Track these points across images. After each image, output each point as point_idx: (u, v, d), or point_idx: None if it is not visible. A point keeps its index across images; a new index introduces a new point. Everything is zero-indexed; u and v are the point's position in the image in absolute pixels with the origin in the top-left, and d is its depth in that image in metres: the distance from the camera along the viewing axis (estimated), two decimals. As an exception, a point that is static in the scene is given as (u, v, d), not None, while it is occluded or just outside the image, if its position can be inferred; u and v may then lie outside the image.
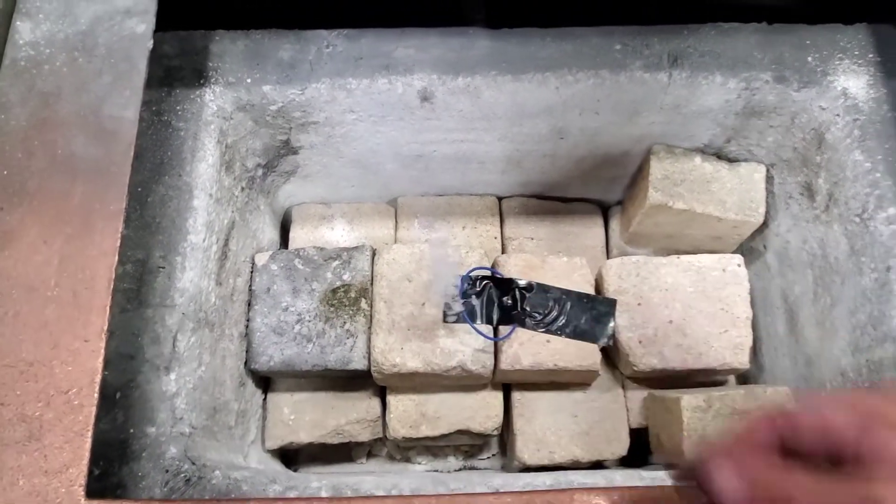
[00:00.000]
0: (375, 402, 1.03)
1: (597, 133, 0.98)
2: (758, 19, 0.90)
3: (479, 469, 1.13)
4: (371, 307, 0.97)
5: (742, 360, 0.97)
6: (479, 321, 0.95)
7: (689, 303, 0.99)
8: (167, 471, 0.67)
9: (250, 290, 0.98)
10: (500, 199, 1.17)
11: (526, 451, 0.99)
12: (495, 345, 0.96)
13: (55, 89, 0.66)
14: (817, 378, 0.92)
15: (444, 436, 1.01)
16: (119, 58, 0.67)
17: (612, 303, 0.99)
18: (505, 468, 1.12)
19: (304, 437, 1.01)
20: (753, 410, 0.90)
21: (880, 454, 0.35)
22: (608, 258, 1.14)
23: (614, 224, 1.17)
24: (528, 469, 0.99)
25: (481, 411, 1.01)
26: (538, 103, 0.90)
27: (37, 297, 0.58)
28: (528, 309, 0.96)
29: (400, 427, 1.00)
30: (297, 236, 1.12)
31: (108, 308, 0.58)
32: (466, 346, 0.94)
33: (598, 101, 0.90)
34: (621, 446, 1.01)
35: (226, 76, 0.84)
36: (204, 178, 0.81)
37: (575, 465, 1.00)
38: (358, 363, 0.94)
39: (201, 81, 0.83)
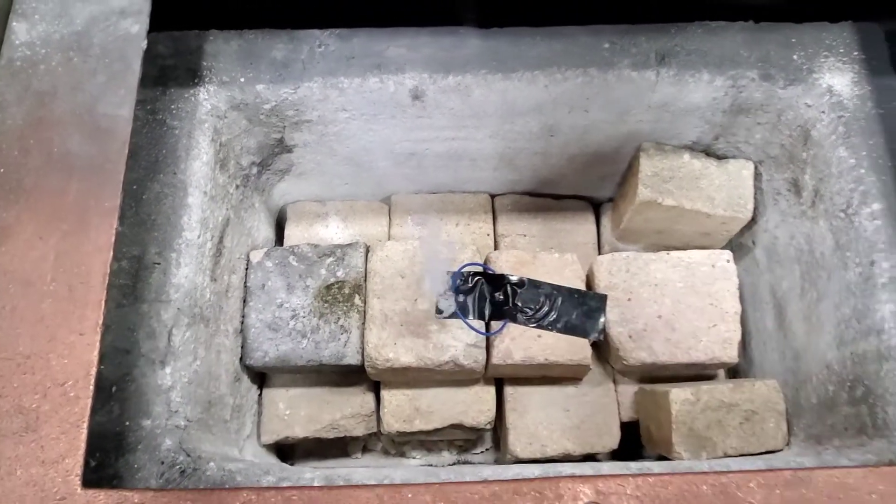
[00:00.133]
0: (369, 397, 1.04)
1: (587, 131, 0.99)
2: (744, 18, 0.91)
3: (473, 463, 1.14)
4: (365, 303, 0.98)
5: (731, 355, 0.99)
6: (471, 317, 0.96)
7: (679, 298, 1.01)
8: (163, 462, 0.68)
9: (245, 286, 0.99)
10: (492, 196, 1.18)
11: (518, 444, 1.00)
12: (487, 340, 0.97)
13: (51, 88, 0.68)
14: (804, 371, 0.94)
15: (437, 430, 1.02)
16: (114, 57, 0.68)
17: (602, 298, 1.00)
18: (498, 462, 1.13)
19: (299, 431, 1.02)
20: (741, 403, 0.92)
21: None
22: (599, 254, 1.15)
23: (606, 221, 1.18)
24: (520, 462, 1.01)
25: (474, 406, 1.02)
26: (528, 101, 0.91)
27: (33, 292, 0.60)
28: (519, 304, 0.97)
29: (394, 421, 1.01)
30: (292, 234, 1.13)
31: (103, 302, 0.59)
32: (459, 341, 0.95)
33: (588, 100, 0.91)
34: (612, 440, 1.02)
35: (220, 75, 0.86)
36: (198, 175, 0.82)
37: (567, 459, 1.01)
38: (352, 358, 0.96)
39: (195, 81, 0.84)
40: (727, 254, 1.03)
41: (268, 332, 0.96)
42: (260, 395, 1.04)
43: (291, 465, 1.11)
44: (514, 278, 0.99)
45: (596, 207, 1.21)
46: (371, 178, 1.09)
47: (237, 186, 0.96)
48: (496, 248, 1.15)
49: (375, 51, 0.89)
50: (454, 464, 1.14)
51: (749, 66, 0.89)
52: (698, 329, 0.99)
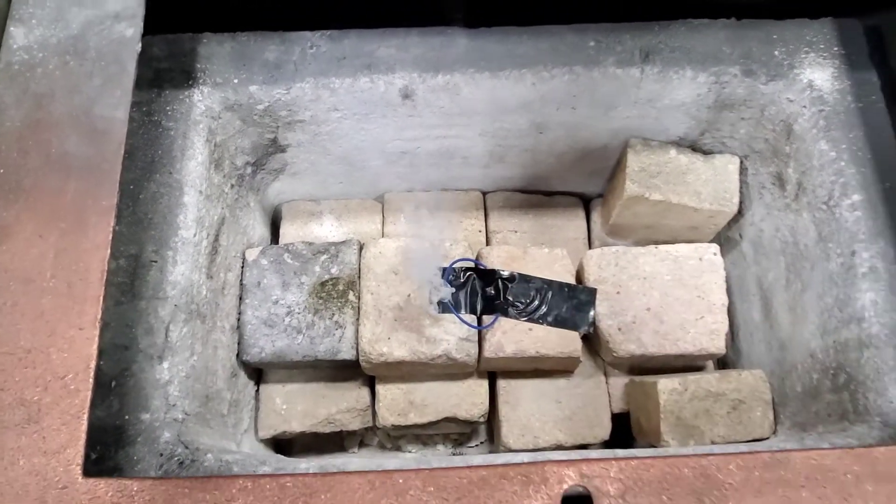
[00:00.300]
0: (365, 392, 1.06)
1: (575, 127, 1.01)
2: (727, 15, 0.93)
3: (467, 456, 1.16)
4: (359, 299, 1.00)
5: (718, 346, 1.00)
6: (463, 311, 0.98)
7: (667, 291, 1.02)
8: (161, 454, 0.70)
9: (241, 284, 1.01)
10: (484, 193, 1.20)
11: (511, 436, 1.02)
12: (479, 333, 0.99)
13: (48, 91, 0.70)
14: (790, 361, 0.96)
15: (432, 423, 1.04)
16: (109, 60, 0.70)
17: (592, 292, 1.02)
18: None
19: (296, 426, 1.04)
20: (728, 392, 0.94)
21: None
22: (590, 249, 1.17)
23: (596, 216, 1.20)
24: (512, 453, 1.02)
25: (467, 399, 1.04)
26: (516, 99, 0.93)
27: (34, 289, 0.62)
28: (510, 299, 0.99)
29: (389, 415, 1.03)
30: (287, 232, 1.15)
31: (101, 298, 0.61)
32: (451, 335, 0.97)
33: (574, 97, 0.93)
34: (604, 430, 1.04)
35: (213, 77, 0.88)
36: (194, 175, 0.84)
37: (558, 449, 1.03)
38: (346, 353, 0.98)
39: (190, 82, 0.86)
40: (714, 247, 1.05)
41: (264, 329, 0.98)
42: (257, 390, 1.06)
43: (289, 460, 1.12)
44: (505, 273, 1.01)
45: (586, 203, 1.23)
46: (364, 177, 1.10)
47: (232, 186, 0.98)
48: (488, 244, 1.16)
49: (366, 51, 0.90)
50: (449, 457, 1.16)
51: (731, 62, 0.91)
52: (686, 321, 1.01)
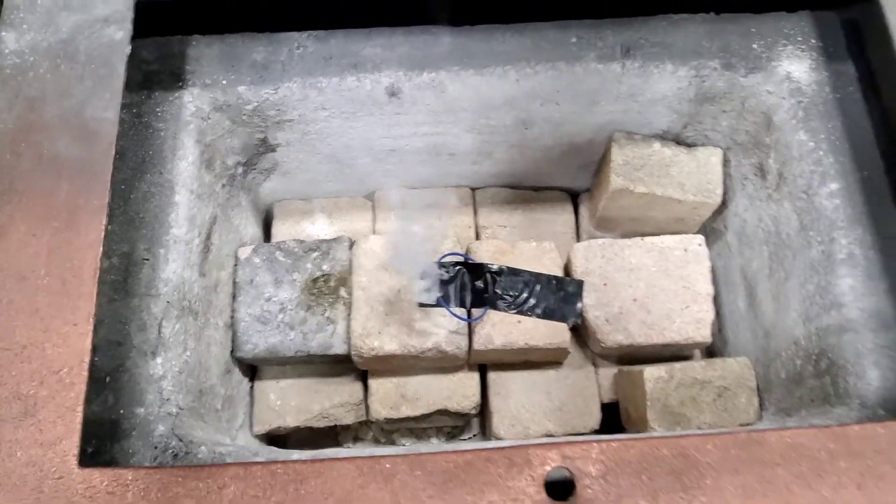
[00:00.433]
0: (357, 386, 1.08)
1: (560, 123, 1.03)
2: (706, 10, 0.95)
3: (461, 449, 1.18)
4: (350, 295, 1.02)
5: (704, 334, 1.02)
6: (452, 304, 0.99)
7: (653, 281, 1.04)
8: (156, 447, 0.71)
9: (234, 282, 1.02)
10: (473, 189, 1.22)
11: (502, 427, 1.04)
12: (469, 326, 1.01)
13: (40, 94, 0.71)
14: (774, 348, 0.97)
15: (424, 416, 1.06)
16: (99, 63, 0.72)
17: (579, 284, 1.03)
18: (485, 447, 1.16)
19: (290, 421, 1.05)
20: (714, 380, 0.96)
21: None
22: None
23: (583, 210, 1.22)
24: (504, 444, 1.04)
25: (458, 391, 1.06)
26: (501, 95, 0.95)
27: (28, 286, 0.63)
28: (499, 292, 1.01)
29: (381, 408, 1.05)
30: (279, 231, 1.17)
31: (94, 294, 0.63)
32: (441, 328, 0.99)
33: (558, 92, 0.95)
34: (593, 420, 1.06)
35: (202, 78, 0.89)
36: (185, 175, 0.85)
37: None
38: (339, 348, 0.99)
39: (179, 84, 0.88)
40: (699, 238, 1.07)
41: (257, 325, 1.00)
42: (252, 387, 1.08)
43: (285, 455, 1.14)
44: (493, 267, 1.02)
45: (574, 198, 1.25)
46: (354, 175, 1.12)
47: (223, 185, 0.99)
48: (478, 239, 1.18)
49: (352, 51, 0.92)
50: (443, 450, 1.17)
51: (711, 56, 0.93)
52: (672, 311, 1.03)
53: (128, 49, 0.74)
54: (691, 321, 1.02)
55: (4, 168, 0.68)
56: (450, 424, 1.16)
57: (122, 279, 0.78)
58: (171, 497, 0.57)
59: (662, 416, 0.94)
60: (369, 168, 1.10)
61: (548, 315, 1.02)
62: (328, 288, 1.02)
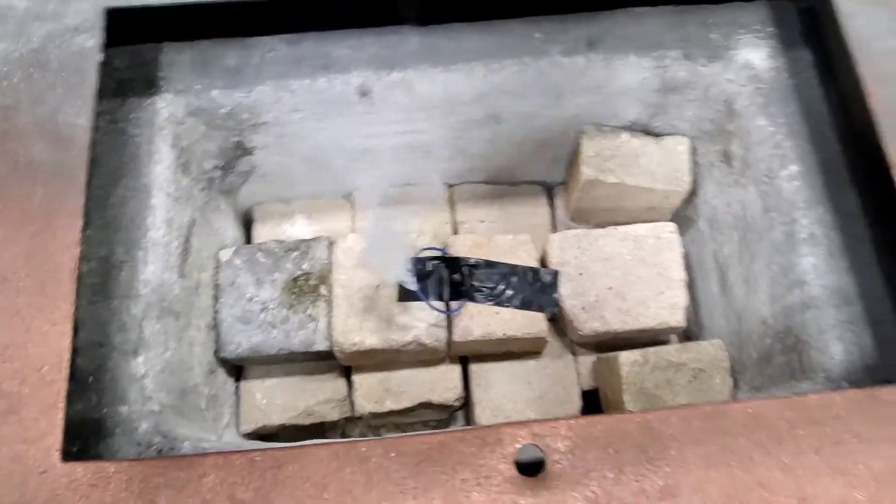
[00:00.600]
0: (341, 383, 1.10)
1: (531, 117, 1.05)
2: (666, 3, 0.98)
3: (447, 442, 1.19)
4: (330, 292, 1.03)
5: (678, 319, 1.05)
6: (431, 298, 1.01)
7: (628, 270, 1.06)
8: (139, 444, 0.73)
9: (216, 284, 1.04)
10: (450, 186, 1.24)
11: (484, 417, 1.06)
12: (448, 319, 1.03)
13: (14, 103, 0.73)
14: (745, 330, 1.00)
15: (409, 410, 1.08)
16: (70, 71, 0.74)
17: (555, 274, 1.06)
18: (470, 438, 1.18)
19: (276, 419, 1.07)
20: (689, 362, 0.98)
21: None
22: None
23: (559, 203, 1.24)
24: (486, 434, 1.06)
25: (441, 384, 1.08)
26: (469, 91, 0.97)
27: (8, 288, 0.65)
28: (476, 284, 1.03)
29: (366, 403, 1.06)
30: (260, 234, 1.19)
31: (73, 294, 0.65)
32: (421, 321, 1.01)
33: (525, 86, 0.98)
34: (574, 407, 1.08)
35: (175, 84, 0.91)
36: (161, 179, 0.87)
37: (531, 428, 1.07)
38: (321, 344, 1.01)
39: (152, 90, 0.90)
40: (671, 225, 1.10)
41: (239, 325, 1.01)
42: (237, 388, 1.09)
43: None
44: (471, 260, 1.04)
45: (550, 191, 1.27)
46: (330, 176, 1.14)
47: (202, 189, 1.01)
48: (455, 234, 1.20)
49: (322, 52, 0.94)
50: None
51: (671, 46, 0.95)
52: (647, 297, 1.05)
53: (99, 57, 0.76)
54: (666, 307, 1.05)
55: (-20, 175, 0.70)
56: (435, 418, 1.18)
57: (101, 282, 0.79)
58: (152, 487, 0.59)
59: (638, 399, 0.96)
60: (345, 168, 1.12)
61: (525, 305, 1.04)
62: (309, 286, 1.04)
